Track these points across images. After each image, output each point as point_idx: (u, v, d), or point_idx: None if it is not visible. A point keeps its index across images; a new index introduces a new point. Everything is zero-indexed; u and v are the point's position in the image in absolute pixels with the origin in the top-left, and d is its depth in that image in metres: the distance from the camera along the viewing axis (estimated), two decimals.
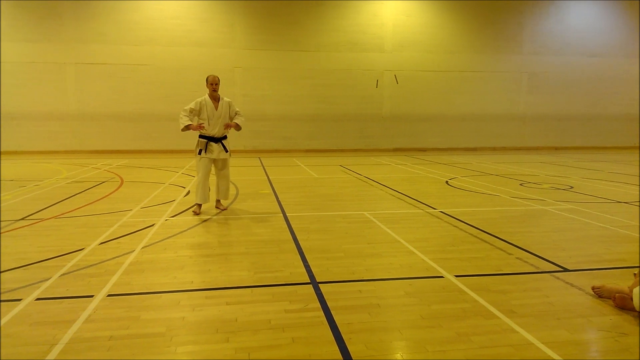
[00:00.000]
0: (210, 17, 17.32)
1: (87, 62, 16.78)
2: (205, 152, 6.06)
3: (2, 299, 3.28)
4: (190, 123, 5.87)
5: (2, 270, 3.89)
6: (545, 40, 19.65)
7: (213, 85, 5.96)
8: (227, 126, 6.05)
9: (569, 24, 19.68)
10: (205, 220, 5.80)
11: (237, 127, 6.13)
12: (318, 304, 3.18)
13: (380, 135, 18.96)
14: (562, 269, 3.94)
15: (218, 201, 6.48)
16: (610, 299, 3.22)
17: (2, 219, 5.80)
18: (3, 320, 2.91)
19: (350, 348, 2.59)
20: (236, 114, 6.20)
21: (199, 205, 6.18)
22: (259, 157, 15.11)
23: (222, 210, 6.39)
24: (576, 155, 16.54)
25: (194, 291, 3.46)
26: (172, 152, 17.04)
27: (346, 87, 18.51)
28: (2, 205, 6.76)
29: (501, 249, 4.54)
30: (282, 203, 7.01)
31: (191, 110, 5.92)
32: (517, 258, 4.26)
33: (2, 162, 13.46)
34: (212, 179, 6.47)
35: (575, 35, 19.76)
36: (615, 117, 20.32)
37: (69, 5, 16.43)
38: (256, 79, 17.86)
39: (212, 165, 6.24)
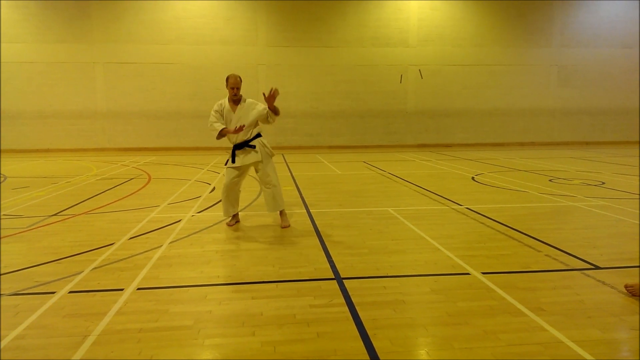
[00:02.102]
0: (235, 15, 17.46)
1: (115, 61, 17.15)
2: (233, 161, 5.22)
3: (36, 291, 3.39)
4: (224, 127, 5.08)
5: (36, 264, 4.02)
6: (576, 32, 19.08)
7: (234, 89, 5.05)
8: (272, 95, 4.92)
9: (600, 15, 19.05)
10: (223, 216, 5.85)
11: (272, 104, 4.98)
12: (343, 300, 3.19)
13: (405, 131, 18.79)
14: (593, 267, 3.84)
15: (280, 214, 5.46)
16: None
17: (35, 215, 5.99)
18: (38, 312, 3.02)
19: (375, 344, 2.58)
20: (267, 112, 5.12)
21: (232, 217, 5.47)
22: (282, 154, 15.18)
23: (284, 227, 5.29)
24: (608, 150, 16.05)
25: (220, 285, 3.51)
26: (197, 149, 17.28)
27: (370, 82, 18.39)
28: (35, 201, 6.99)
29: (530, 246, 4.45)
30: (305, 199, 7.03)
31: (216, 113, 5.16)
32: (546, 255, 4.17)
33: (35, 159, 13.90)
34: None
35: (606, 26, 19.12)
36: None
37: (97, 6, 16.81)
38: (280, 75, 17.93)
39: (241, 175, 5.36)
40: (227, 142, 5.28)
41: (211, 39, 17.45)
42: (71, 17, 16.78)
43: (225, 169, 5.35)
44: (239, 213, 5.68)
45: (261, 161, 5.24)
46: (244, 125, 5.00)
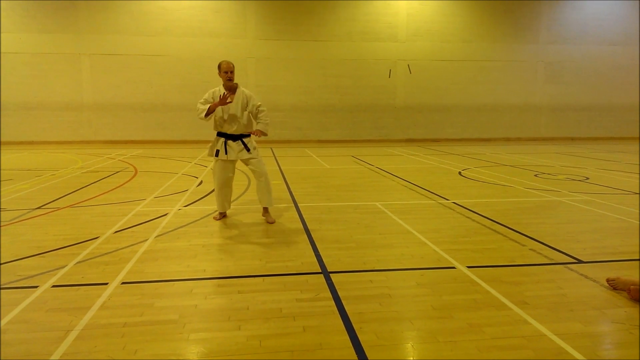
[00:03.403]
0: (224, 7, 17.30)
1: (102, 52, 16.91)
2: (226, 152, 5.07)
3: (19, 285, 3.35)
4: (210, 105, 4.93)
5: (19, 257, 3.97)
6: (563, 29, 19.27)
7: (228, 73, 4.96)
8: (255, 134, 5.09)
9: (587, 12, 19.25)
10: (217, 210, 5.82)
11: (260, 134, 5.06)
12: (329, 294, 3.19)
13: (393, 125, 18.85)
14: (576, 261, 3.90)
15: (264, 209, 5.33)
16: (625, 291, 3.17)
17: (19, 208, 5.90)
18: (21, 307, 2.97)
19: (361, 337, 2.59)
20: (258, 110, 5.12)
21: (220, 213, 5.39)
22: (271, 148, 15.13)
23: (270, 223, 5.20)
24: (593, 146, 16.27)
25: (206, 279, 3.49)
26: (185, 142, 17.15)
27: (359, 77, 18.39)
28: (19, 194, 6.88)
29: (514, 240, 4.50)
30: (293, 193, 7.02)
31: (206, 101, 5.04)
32: (530, 249, 4.22)
33: (19, 151, 13.68)
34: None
35: (593, 23, 19.33)
36: (635, 107, 19.88)
37: None
38: (269, 69, 17.84)
39: (234, 168, 5.30)
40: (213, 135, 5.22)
41: (199, 31, 17.27)
42: (57, 7, 16.48)
43: (215, 163, 5.20)
44: (226, 213, 5.52)
45: (256, 157, 5.19)
46: (231, 95, 4.94)
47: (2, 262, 3.84)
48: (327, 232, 4.79)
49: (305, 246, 4.31)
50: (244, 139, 5.13)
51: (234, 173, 5.31)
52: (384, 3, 18.11)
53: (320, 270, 3.66)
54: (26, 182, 7.93)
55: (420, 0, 18.23)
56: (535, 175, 8.87)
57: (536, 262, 3.88)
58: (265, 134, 5.12)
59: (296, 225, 5.09)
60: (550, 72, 19.44)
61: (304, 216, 5.52)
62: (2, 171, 9.37)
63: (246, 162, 5.22)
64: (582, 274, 3.58)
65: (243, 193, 7.00)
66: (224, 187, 5.26)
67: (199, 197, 6.60)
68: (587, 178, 8.54)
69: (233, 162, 5.22)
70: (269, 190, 5.22)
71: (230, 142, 5.09)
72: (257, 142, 5.41)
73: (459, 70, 18.88)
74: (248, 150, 5.11)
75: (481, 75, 19.04)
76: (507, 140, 19.31)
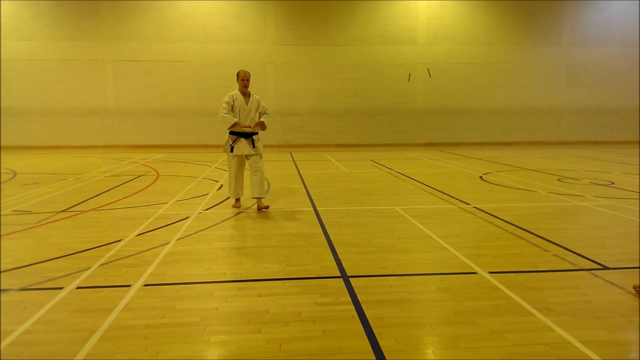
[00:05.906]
0: (244, 13, 17.49)
1: (124, 59, 17.25)
2: (237, 149, 6.02)
3: (44, 287, 3.42)
4: (237, 121, 5.84)
5: (45, 259, 4.06)
6: (585, 31, 18.90)
7: (244, 81, 5.91)
8: (257, 125, 6.01)
9: (609, 13, 18.85)
10: (237, 214, 5.88)
11: (263, 127, 6.03)
12: (349, 298, 3.18)
13: (413, 129, 18.74)
14: (601, 267, 3.81)
15: (259, 200, 6.14)
16: None
17: (44, 211, 6.05)
18: (46, 308, 3.04)
19: (381, 342, 2.58)
20: (264, 111, 6.12)
21: (236, 200, 6.24)
22: (290, 152, 15.19)
23: (264, 209, 6.07)
24: (618, 150, 15.89)
25: (226, 282, 3.52)
26: (205, 146, 17.33)
27: (378, 81, 18.35)
28: (44, 197, 7.05)
29: (537, 246, 4.42)
30: (312, 197, 7.03)
31: (228, 104, 5.87)
32: (554, 255, 4.14)
33: (45, 155, 14.02)
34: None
35: (616, 25, 18.92)
36: None
37: (107, 4, 16.92)
38: (288, 74, 17.93)
39: (246, 161, 6.20)
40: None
41: (219, 37, 17.49)
42: (81, 15, 16.90)
43: (230, 157, 6.05)
44: (240, 199, 6.35)
45: (259, 154, 6.13)
46: (251, 126, 6.00)
47: (28, 264, 3.94)
48: (346, 236, 4.79)
49: (325, 250, 4.31)
50: (253, 137, 6.06)
51: (244, 165, 6.23)
52: (403, 6, 18.05)
53: (339, 274, 3.65)
54: (51, 186, 8.12)
55: (440, 2, 18.12)
56: (559, 180, 8.71)
57: (560, 268, 3.80)
58: (264, 127, 6.04)
59: (315, 229, 5.10)
60: (573, 74, 19.08)
61: (323, 220, 5.52)
62: (28, 175, 9.62)
63: (251, 158, 6.10)
64: (607, 281, 3.50)
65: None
66: (239, 177, 6.15)
67: (220, 201, 6.66)
68: (612, 183, 8.34)
69: (245, 156, 6.13)
70: (261, 183, 6.11)
71: (242, 139, 6.01)
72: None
73: (480, 74, 18.68)
74: (254, 146, 6.05)
75: (502, 78, 18.80)
76: (530, 144, 19.01)
